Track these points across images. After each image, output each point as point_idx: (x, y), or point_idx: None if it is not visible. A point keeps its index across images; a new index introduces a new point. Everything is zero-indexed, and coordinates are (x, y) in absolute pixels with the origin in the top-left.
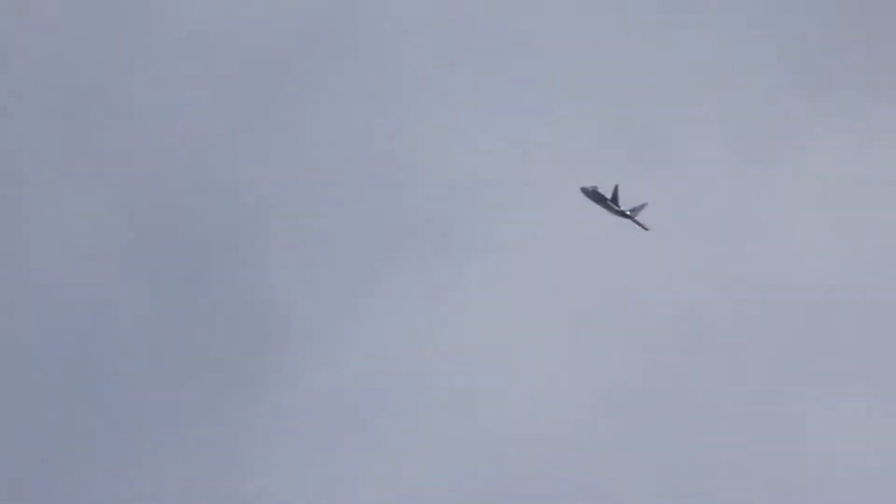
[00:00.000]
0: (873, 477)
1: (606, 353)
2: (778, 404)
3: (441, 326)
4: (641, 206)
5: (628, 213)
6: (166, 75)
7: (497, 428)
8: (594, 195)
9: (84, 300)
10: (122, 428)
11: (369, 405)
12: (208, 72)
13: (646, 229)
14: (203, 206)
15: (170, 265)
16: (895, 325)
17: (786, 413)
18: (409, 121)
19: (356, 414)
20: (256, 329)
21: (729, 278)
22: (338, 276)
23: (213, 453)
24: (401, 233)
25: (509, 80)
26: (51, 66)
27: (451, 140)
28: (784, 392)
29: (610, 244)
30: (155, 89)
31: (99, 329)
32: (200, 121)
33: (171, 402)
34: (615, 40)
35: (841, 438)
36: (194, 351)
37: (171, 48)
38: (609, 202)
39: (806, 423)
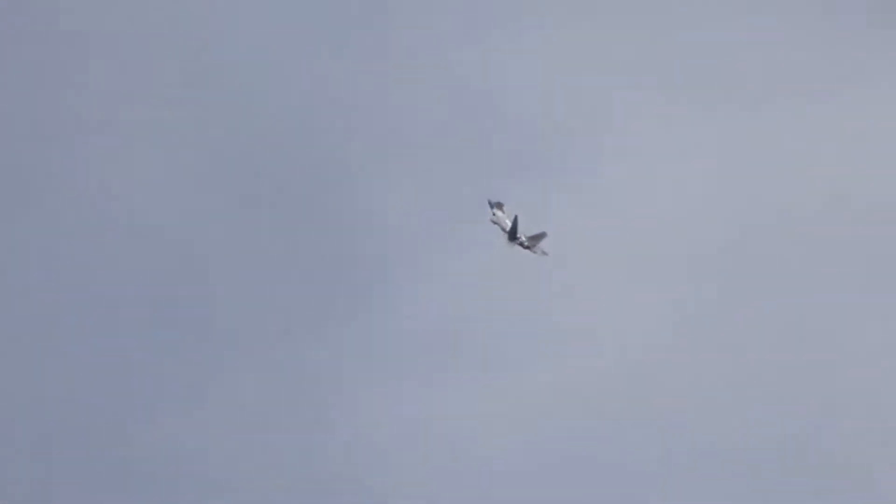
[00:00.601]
0: None
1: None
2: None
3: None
4: (541, 235)
5: (525, 242)
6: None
7: (598, 363)
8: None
9: (179, 227)
10: (223, 353)
11: (471, 338)
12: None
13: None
14: (307, 136)
15: (273, 191)
16: None
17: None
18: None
19: (456, 347)
20: (359, 257)
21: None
22: (441, 206)
23: (314, 378)
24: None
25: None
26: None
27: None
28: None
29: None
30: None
31: (198, 256)
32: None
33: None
34: None
35: None
36: (295, 280)
37: None
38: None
39: None
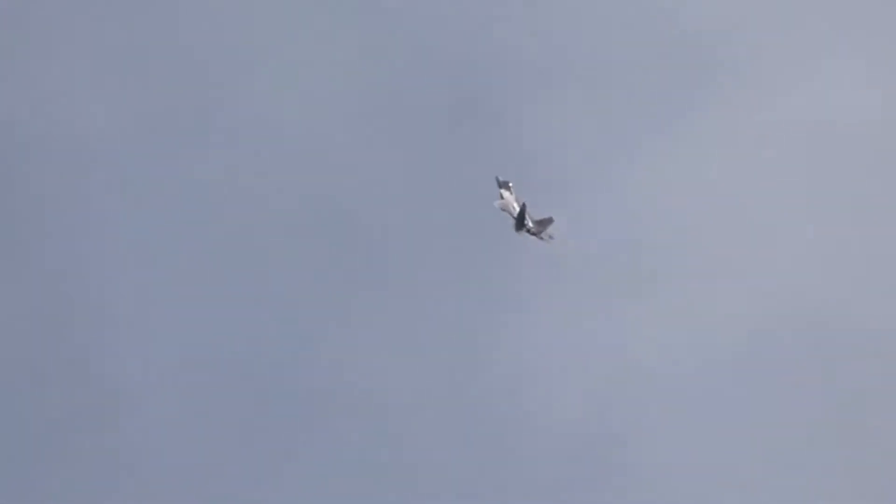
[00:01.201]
0: None
1: None
2: None
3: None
4: (547, 221)
5: (532, 229)
6: None
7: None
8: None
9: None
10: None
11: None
12: None
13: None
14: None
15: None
16: None
17: None
18: None
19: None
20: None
21: None
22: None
23: None
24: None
25: None
26: None
27: None
28: None
29: None
30: None
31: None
32: None
33: None
34: None
35: None
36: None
37: None
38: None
39: None
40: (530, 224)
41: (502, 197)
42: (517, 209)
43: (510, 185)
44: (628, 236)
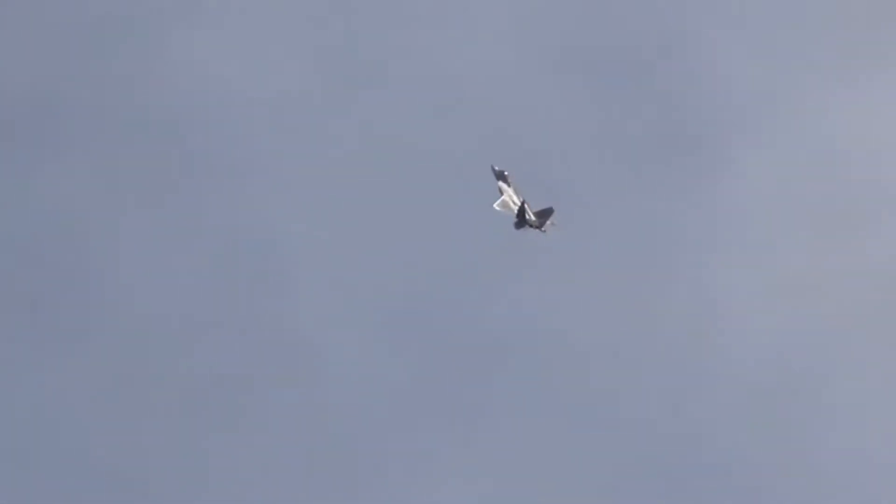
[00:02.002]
0: None
1: None
2: None
3: None
4: (548, 212)
5: (533, 223)
6: None
7: None
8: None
9: None
10: None
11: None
12: None
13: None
14: None
15: None
16: None
17: None
18: None
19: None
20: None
21: None
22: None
23: None
24: None
25: None
26: None
27: None
28: None
29: None
30: None
31: None
32: None
33: None
34: None
35: None
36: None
37: None
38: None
39: None
40: (532, 219)
41: (501, 192)
42: (518, 203)
43: (507, 174)
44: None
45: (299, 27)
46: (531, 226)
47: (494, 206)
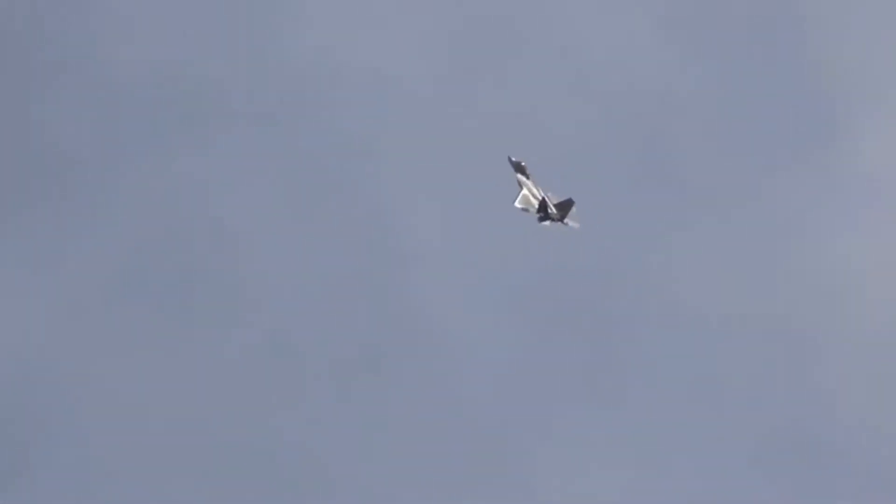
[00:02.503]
0: None
1: None
2: None
3: None
4: (569, 204)
5: (555, 216)
6: None
7: None
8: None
9: None
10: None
11: None
12: None
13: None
14: None
15: None
16: None
17: None
18: None
19: None
20: None
21: None
22: None
23: None
24: None
25: None
26: None
27: None
28: None
29: None
30: None
31: None
32: None
33: None
34: None
35: None
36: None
37: None
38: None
39: None
40: (554, 213)
41: (520, 185)
42: (538, 198)
43: (524, 166)
44: None
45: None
46: (553, 219)
47: (515, 204)
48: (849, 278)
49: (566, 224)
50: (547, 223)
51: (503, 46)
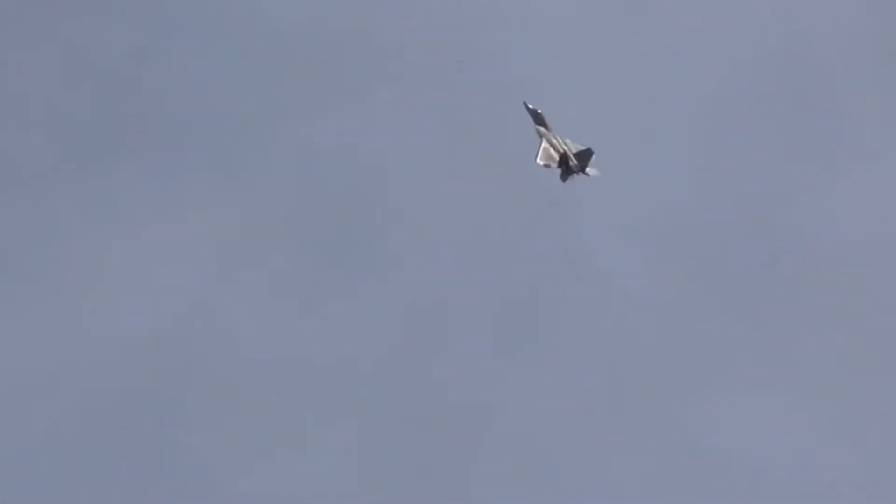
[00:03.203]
0: None
1: None
2: None
3: None
4: (588, 154)
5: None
6: None
7: None
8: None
9: None
10: None
11: None
12: None
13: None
14: None
15: None
16: None
17: None
18: None
19: None
20: None
21: None
22: None
23: None
24: None
25: None
26: None
27: None
28: None
29: None
30: None
31: None
32: None
33: None
34: None
35: None
36: None
37: None
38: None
39: None
40: (575, 165)
41: (539, 135)
42: (560, 150)
43: (543, 116)
44: None
45: None
46: (574, 172)
47: (537, 160)
48: None
49: (587, 174)
50: (568, 179)
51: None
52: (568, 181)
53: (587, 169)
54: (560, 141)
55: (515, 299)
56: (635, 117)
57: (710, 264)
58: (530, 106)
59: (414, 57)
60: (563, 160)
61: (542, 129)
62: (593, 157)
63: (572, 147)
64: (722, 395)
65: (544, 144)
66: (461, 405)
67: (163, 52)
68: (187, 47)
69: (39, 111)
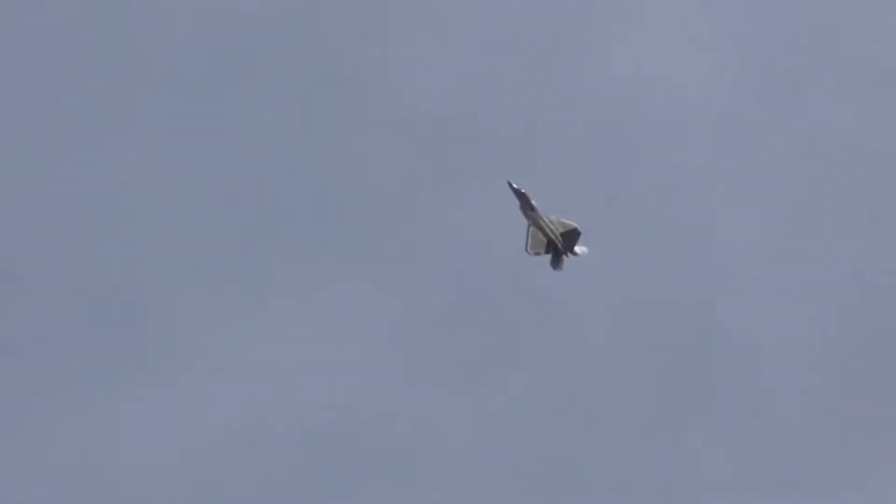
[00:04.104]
0: None
1: None
2: None
3: None
4: (575, 233)
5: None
6: None
7: None
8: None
9: None
10: None
11: None
12: None
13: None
14: None
15: None
16: None
17: None
18: None
19: None
20: None
21: None
22: None
23: None
24: None
25: None
26: None
27: None
28: None
29: None
30: None
31: None
32: None
33: None
34: None
35: None
36: None
37: None
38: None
39: None
40: (566, 253)
41: (526, 219)
42: (550, 236)
43: (529, 198)
44: None
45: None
46: (564, 254)
47: (527, 250)
48: None
49: (576, 254)
50: (559, 266)
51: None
52: (559, 266)
53: (576, 248)
54: (546, 223)
55: None
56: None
57: None
58: (515, 186)
59: (568, 140)
60: (552, 244)
61: (529, 212)
62: (580, 236)
63: (558, 226)
64: None
65: (532, 230)
66: None
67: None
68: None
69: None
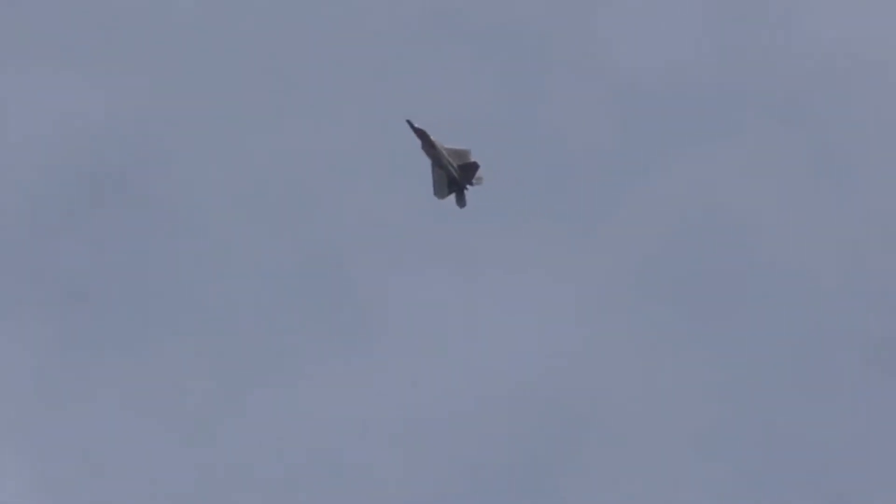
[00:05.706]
0: None
1: None
2: None
3: None
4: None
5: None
6: None
7: None
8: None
9: None
10: None
11: None
12: None
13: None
14: None
15: None
16: None
17: None
18: None
19: None
20: None
21: None
22: None
23: None
24: None
25: None
26: None
27: None
28: None
29: None
30: None
31: None
32: None
33: None
34: None
35: None
36: None
37: None
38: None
39: None
40: (461, 181)
41: (429, 157)
42: (449, 172)
43: (427, 133)
44: None
45: None
46: (464, 188)
47: (434, 195)
48: None
49: (474, 185)
50: (463, 202)
51: None
52: (463, 202)
53: (473, 180)
54: (446, 155)
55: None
56: None
57: None
58: (416, 125)
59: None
60: (455, 184)
61: (431, 150)
62: (478, 168)
63: (455, 158)
64: None
65: (435, 175)
66: None
67: None
68: None
69: None
